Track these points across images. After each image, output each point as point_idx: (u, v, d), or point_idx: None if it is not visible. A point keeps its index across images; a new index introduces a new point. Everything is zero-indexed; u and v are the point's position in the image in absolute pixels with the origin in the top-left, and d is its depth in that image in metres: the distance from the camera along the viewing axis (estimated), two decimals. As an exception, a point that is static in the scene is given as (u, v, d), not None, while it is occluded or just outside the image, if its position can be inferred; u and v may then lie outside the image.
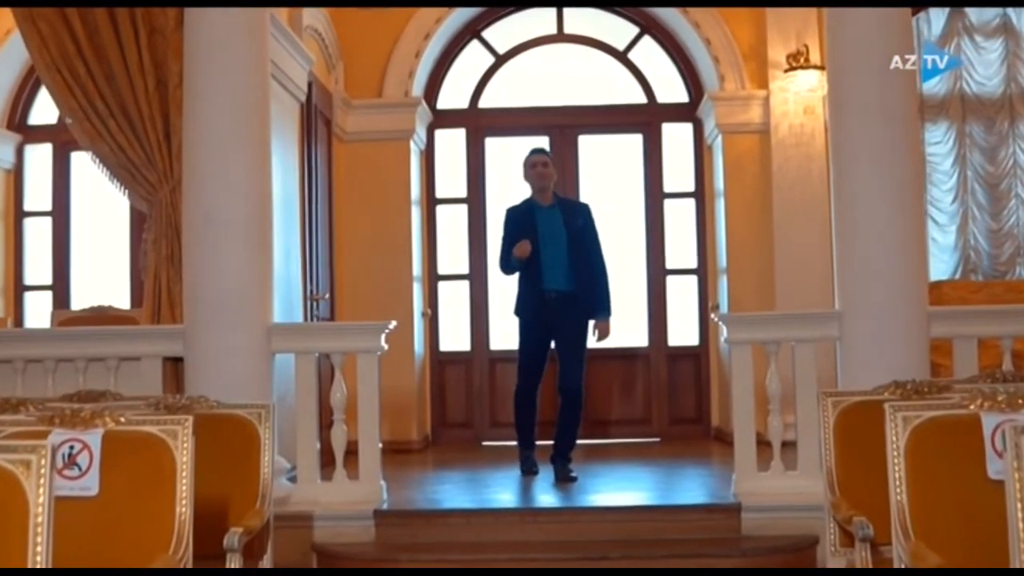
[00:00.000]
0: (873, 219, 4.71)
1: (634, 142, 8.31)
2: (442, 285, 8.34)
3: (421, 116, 8.04)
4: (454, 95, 8.40)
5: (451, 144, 8.41)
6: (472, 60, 8.39)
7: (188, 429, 2.73)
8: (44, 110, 7.65)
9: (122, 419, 2.76)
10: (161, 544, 2.64)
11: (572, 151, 8.14)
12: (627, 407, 8.14)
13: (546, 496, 5.51)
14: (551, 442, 5.95)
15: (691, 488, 5.87)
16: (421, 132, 8.13)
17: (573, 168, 8.09)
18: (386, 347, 5.07)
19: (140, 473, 2.71)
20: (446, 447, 7.91)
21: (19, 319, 7.78)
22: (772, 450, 4.93)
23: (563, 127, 8.20)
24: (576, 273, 5.82)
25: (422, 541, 4.81)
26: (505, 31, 8.35)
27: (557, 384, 5.91)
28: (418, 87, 8.08)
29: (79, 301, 7.53)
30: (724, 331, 5.27)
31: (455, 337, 8.29)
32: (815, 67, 7.31)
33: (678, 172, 8.29)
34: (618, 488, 5.85)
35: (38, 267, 7.90)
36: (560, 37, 8.37)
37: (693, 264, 8.23)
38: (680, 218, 8.27)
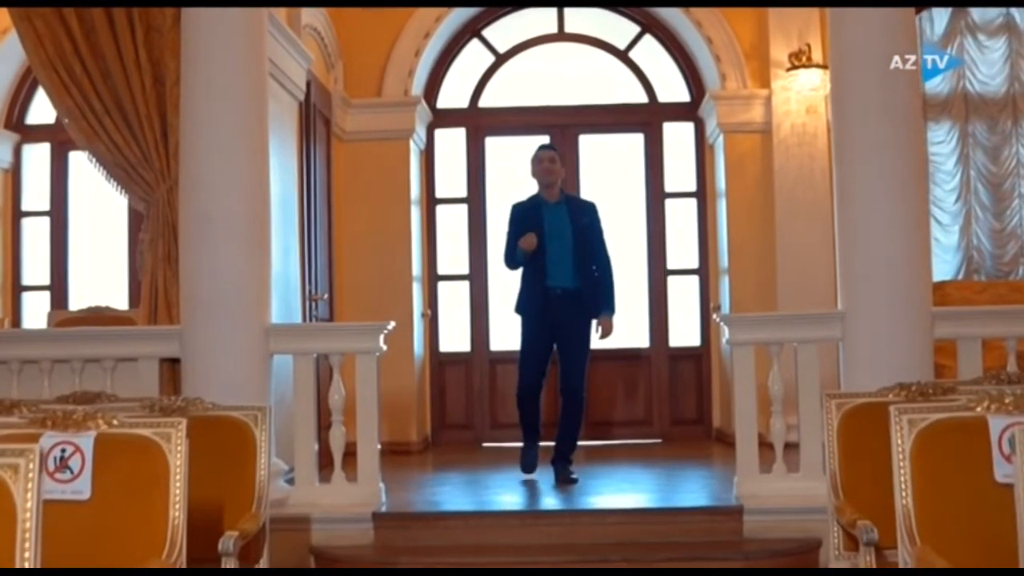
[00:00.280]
0: (876, 219, 4.68)
1: (635, 142, 8.27)
2: (442, 285, 8.30)
3: (421, 115, 8.00)
4: (454, 94, 8.36)
5: (451, 144, 8.37)
6: (472, 59, 8.35)
7: (182, 432, 2.69)
8: (42, 109, 7.60)
9: (115, 421, 2.72)
10: (154, 549, 2.60)
11: (573, 151, 8.10)
12: (628, 408, 8.10)
13: (547, 498, 5.47)
14: (552, 443, 5.90)
15: (692, 490, 5.83)
16: (421, 131, 8.10)
17: (574, 168, 8.05)
18: (385, 348, 5.03)
19: (133, 476, 2.67)
20: (446, 448, 7.87)
21: (17, 320, 7.74)
22: (774, 452, 4.90)
23: (564, 127, 8.16)
24: (581, 271, 5.78)
25: (421, 544, 4.77)
26: (505, 30, 8.31)
27: (559, 385, 5.87)
28: (418, 86, 8.04)
29: (77, 301, 7.50)
30: (726, 332, 5.23)
31: (455, 338, 8.25)
32: (817, 66, 7.27)
33: (679, 172, 8.25)
34: (619, 490, 5.81)
35: (36, 267, 7.86)
36: (561, 36, 8.33)
37: (694, 264, 8.19)
38: (681, 218, 8.23)
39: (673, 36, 8.18)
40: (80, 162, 6.66)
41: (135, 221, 6.70)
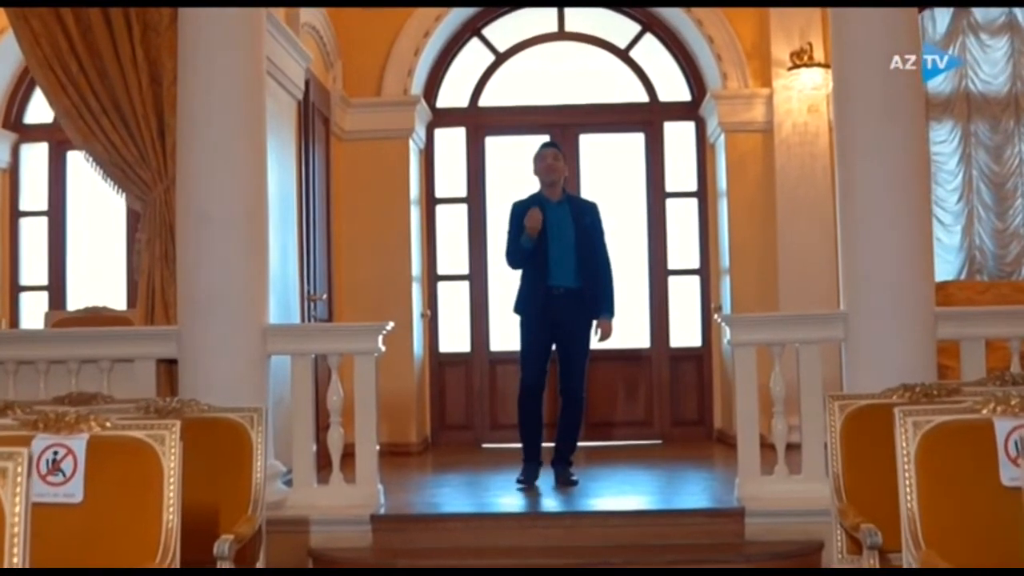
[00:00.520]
0: (879, 218, 4.65)
1: (636, 141, 8.24)
2: (442, 285, 8.27)
3: (420, 115, 7.97)
4: (454, 93, 8.32)
5: (451, 143, 8.33)
6: (472, 58, 8.32)
7: (175, 434, 2.66)
8: (40, 109, 7.56)
9: (108, 424, 2.68)
10: (147, 553, 2.56)
11: (573, 150, 8.06)
12: (629, 409, 8.06)
13: (547, 500, 5.43)
14: (551, 445, 5.85)
15: (693, 492, 5.78)
16: (420, 131, 8.06)
17: (574, 167, 8.00)
18: (383, 348, 5.00)
19: (126, 480, 2.63)
20: (445, 449, 7.84)
21: (15, 320, 7.71)
22: (776, 453, 4.86)
23: (564, 126, 8.12)
24: (583, 271, 5.73)
25: (420, 546, 4.74)
26: (505, 29, 8.27)
27: (558, 386, 5.82)
28: (417, 85, 8.00)
29: (75, 302, 7.47)
30: (727, 332, 5.20)
31: (455, 338, 8.21)
32: (819, 65, 7.23)
33: (680, 171, 8.21)
34: (620, 492, 5.77)
35: (34, 267, 7.83)
36: (561, 35, 8.30)
37: (695, 264, 8.15)
38: (682, 218, 8.19)
39: (674, 35, 8.14)
40: (78, 162, 6.61)
41: (133, 221, 6.66)
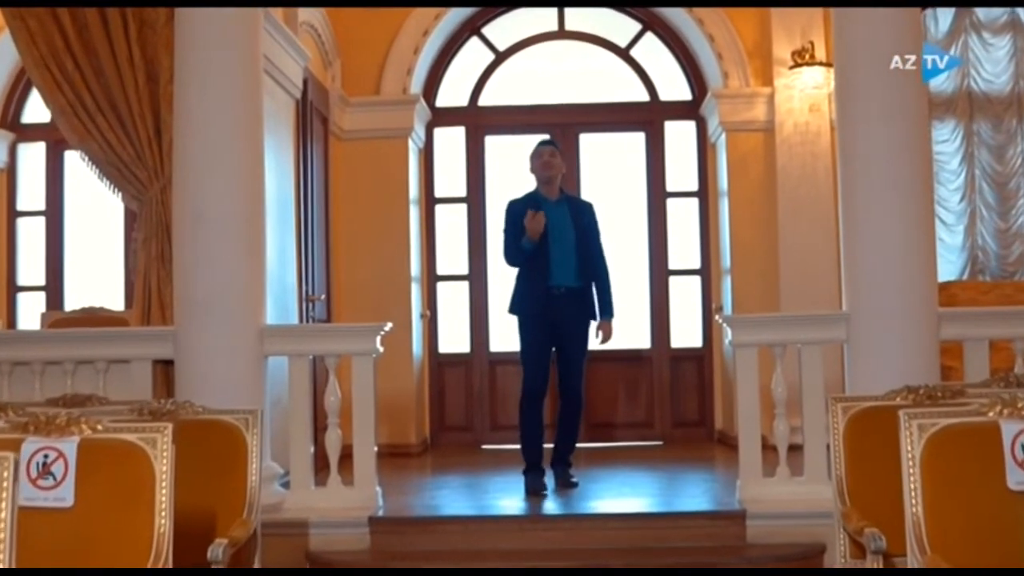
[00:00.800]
0: (881, 218, 4.62)
1: (636, 140, 8.20)
2: (441, 286, 8.22)
3: (420, 114, 7.92)
4: (453, 93, 8.28)
5: (450, 142, 8.29)
6: (472, 57, 8.28)
7: (168, 437, 2.61)
8: (37, 108, 7.51)
9: (99, 427, 2.64)
10: (139, 558, 2.52)
11: (573, 149, 8.02)
12: (629, 410, 8.02)
13: (547, 503, 5.38)
14: (551, 446, 5.81)
15: (694, 494, 5.74)
16: (420, 130, 8.02)
17: (574, 167, 7.97)
18: (381, 349, 4.96)
19: (117, 483, 2.58)
20: (445, 451, 7.80)
21: (12, 320, 7.67)
22: (778, 455, 4.83)
23: (564, 125, 8.07)
24: (583, 270, 5.69)
25: (419, 549, 4.70)
26: (505, 28, 8.23)
27: (558, 386, 5.77)
28: (417, 84, 7.96)
29: (73, 302, 7.43)
30: (728, 333, 5.16)
31: (454, 339, 8.17)
32: (821, 64, 7.19)
33: (681, 171, 8.17)
34: (620, 494, 5.73)
35: (31, 267, 7.79)
36: (561, 34, 8.26)
37: (696, 264, 8.11)
38: (683, 218, 8.15)
39: (675, 34, 8.10)
40: (76, 162, 6.55)
41: (131, 221, 6.62)
